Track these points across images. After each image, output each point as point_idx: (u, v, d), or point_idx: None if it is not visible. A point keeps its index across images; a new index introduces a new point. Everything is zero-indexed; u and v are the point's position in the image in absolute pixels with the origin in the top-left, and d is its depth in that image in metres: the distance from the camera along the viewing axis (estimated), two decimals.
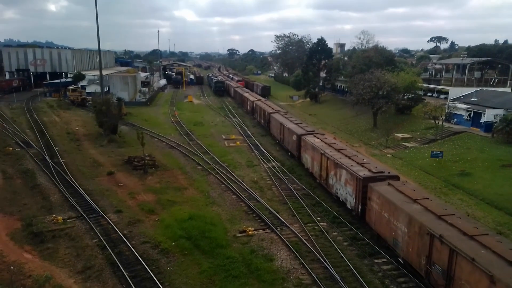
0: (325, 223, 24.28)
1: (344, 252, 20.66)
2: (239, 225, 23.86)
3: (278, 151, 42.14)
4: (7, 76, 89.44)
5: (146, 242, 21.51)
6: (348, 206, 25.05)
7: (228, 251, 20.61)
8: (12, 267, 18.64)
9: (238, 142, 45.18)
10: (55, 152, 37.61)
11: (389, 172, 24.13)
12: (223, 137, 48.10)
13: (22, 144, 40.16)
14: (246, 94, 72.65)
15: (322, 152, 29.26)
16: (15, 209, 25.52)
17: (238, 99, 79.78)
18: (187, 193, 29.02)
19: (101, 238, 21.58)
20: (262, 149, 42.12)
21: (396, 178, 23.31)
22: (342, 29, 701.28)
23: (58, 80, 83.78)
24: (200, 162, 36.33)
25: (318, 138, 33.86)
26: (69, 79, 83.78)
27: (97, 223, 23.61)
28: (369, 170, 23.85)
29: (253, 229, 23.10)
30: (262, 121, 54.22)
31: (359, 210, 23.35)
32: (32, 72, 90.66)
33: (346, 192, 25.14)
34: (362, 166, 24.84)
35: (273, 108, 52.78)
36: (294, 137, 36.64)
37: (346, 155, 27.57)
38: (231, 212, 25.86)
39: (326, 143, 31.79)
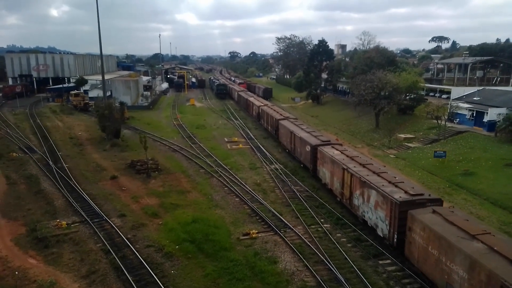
0: (328, 225, 24.24)
1: (348, 254, 20.62)
2: (243, 227, 23.85)
3: (281, 153, 42.12)
4: (10, 82, 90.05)
5: (150, 245, 21.54)
6: (379, 233, 21.49)
7: (232, 254, 20.61)
8: (16, 273, 18.70)
9: (240, 145, 45.20)
10: (58, 157, 37.76)
11: (429, 195, 20.24)
12: (226, 139, 48.14)
13: (26, 150, 40.34)
14: (251, 99, 69.25)
15: (345, 167, 25.65)
16: (19, 214, 25.62)
17: (243, 104, 76.15)
18: (190, 196, 29.04)
19: (105, 243, 21.62)
20: (265, 151, 42.12)
21: (439, 201, 19.91)
22: (344, 30, 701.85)
23: (60, 85, 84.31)
24: (203, 165, 36.37)
25: (337, 149, 30.06)
26: (71, 84, 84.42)
27: (101, 227, 23.66)
28: (406, 192, 20.19)
29: (256, 231, 23.09)
30: (269, 128, 50.56)
31: (395, 240, 19.89)
32: (35, 78, 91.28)
33: (377, 217, 21.58)
34: (396, 186, 21.22)
35: (281, 114, 48.91)
36: (308, 148, 33.26)
37: (373, 172, 23.82)
38: (235, 214, 25.85)
39: (347, 155, 27.98)
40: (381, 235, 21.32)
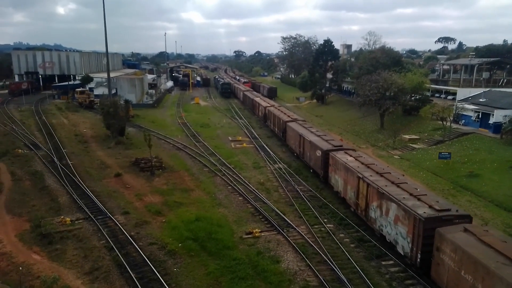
0: (331, 225, 24.20)
1: (351, 254, 20.58)
2: (246, 226, 23.87)
3: (285, 152, 42.08)
4: (17, 79, 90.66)
5: (153, 243, 21.61)
6: (399, 250, 19.66)
7: (234, 252, 20.64)
8: (20, 268, 18.82)
9: (244, 144, 45.21)
10: (63, 154, 37.95)
11: (457, 210, 18.48)
12: (230, 138, 48.17)
13: (31, 146, 40.59)
14: (257, 99, 66.53)
15: (360, 176, 23.83)
16: (24, 210, 25.79)
17: (248, 104, 74.03)
18: (194, 195, 29.10)
19: (109, 240, 21.73)
20: (269, 150, 42.10)
21: (468, 218, 17.97)
22: (349, 30, 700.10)
23: (66, 83, 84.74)
24: (207, 164, 36.42)
25: (351, 155, 28.15)
26: (77, 82, 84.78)
27: (105, 224, 23.77)
28: (430, 207, 18.33)
29: (259, 230, 23.10)
30: (276, 129, 48.56)
31: (418, 260, 18.03)
32: (41, 75, 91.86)
33: (397, 233, 19.81)
34: (418, 199, 19.33)
35: (289, 116, 46.81)
36: (318, 153, 31.46)
37: (392, 182, 21.98)
38: (238, 213, 25.88)
39: (362, 162, 26.07)
40: (402, 253, 19.49)
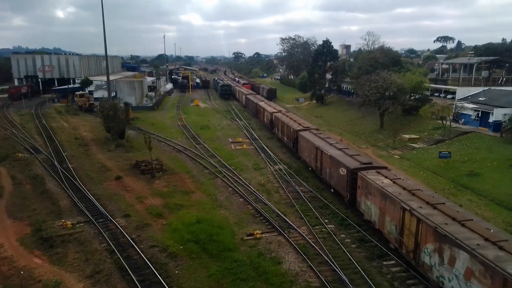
0: (333, 226, 24.20)
1: (352, 254, 20.57)
2: (247, 228, 23.86)
3: (285, 153, 42.08)
4: (16, 83, 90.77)
5: (154, 246, 21.61)
6: None
7: (235, 254, 20.62)
8: (22, 272, 18.85)
9: (244, 145, 45.21)
10: (63, 157, 37.97)
11: None
12: (230, 140, 48.18)
13: (31, 150, 40.61)
14: (261, 103, 60.50)
15: (406, 207, 18.75)
16: (24, 214, 25.79)
17: (252, 109, 68.31)
18: (195, 197, 29.10)
19: (110, 243, 21.72)
20: (269, 151, 42.10)
21: None
22: (349, 31, 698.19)
23: (66, 86, 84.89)
24: (207, 166, 36.43)
25: (386, 177, 22.96)
26: (76, 85, 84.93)
27: (106, 227, 23.77)
28: None
29: (260, 232, 23.09)
30: (285, 139, 43.28)
31: None
32: (41, 79, 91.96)
33: None
34: (500, 247, 14.41)
35: (300, 124, 41.07)
36: (343, 171, 26.60)
37: (453, 218, 16.92)
38: (239, 215, 25.88)
39: (403, 187, 20.91)
40: None
